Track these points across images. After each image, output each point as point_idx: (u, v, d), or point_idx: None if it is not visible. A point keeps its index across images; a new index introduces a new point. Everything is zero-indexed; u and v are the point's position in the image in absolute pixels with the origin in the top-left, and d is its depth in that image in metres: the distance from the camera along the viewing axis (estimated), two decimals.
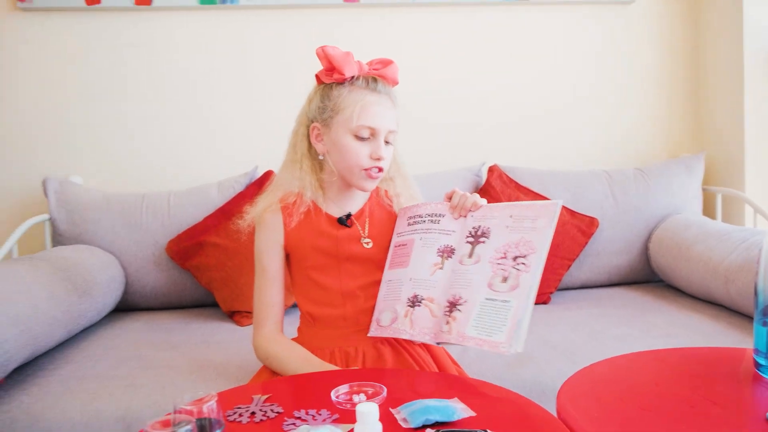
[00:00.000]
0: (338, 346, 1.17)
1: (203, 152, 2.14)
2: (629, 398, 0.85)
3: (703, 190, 2.12)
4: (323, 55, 1.13)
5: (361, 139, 1.13)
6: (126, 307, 1.92)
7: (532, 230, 1.02)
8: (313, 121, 1.18)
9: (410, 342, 1.18)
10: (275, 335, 1.20)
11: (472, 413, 0.81)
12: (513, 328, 0.94)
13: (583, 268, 2.00)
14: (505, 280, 1.00)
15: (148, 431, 0.69)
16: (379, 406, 0.84)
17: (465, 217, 1.11)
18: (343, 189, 1.20)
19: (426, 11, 2.18)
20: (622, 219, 2.00)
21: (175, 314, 1.88)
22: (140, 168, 2.12)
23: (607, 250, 2.00)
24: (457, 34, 2.21)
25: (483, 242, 1.06)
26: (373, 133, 1.13)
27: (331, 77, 1.14)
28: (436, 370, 1.17)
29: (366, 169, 1.13)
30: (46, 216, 1.93)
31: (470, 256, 1.06)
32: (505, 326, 0.95)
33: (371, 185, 1.17)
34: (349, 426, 0.77)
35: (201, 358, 1.47)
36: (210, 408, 0.77)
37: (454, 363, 1.25)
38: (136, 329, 1.73)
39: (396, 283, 1.12)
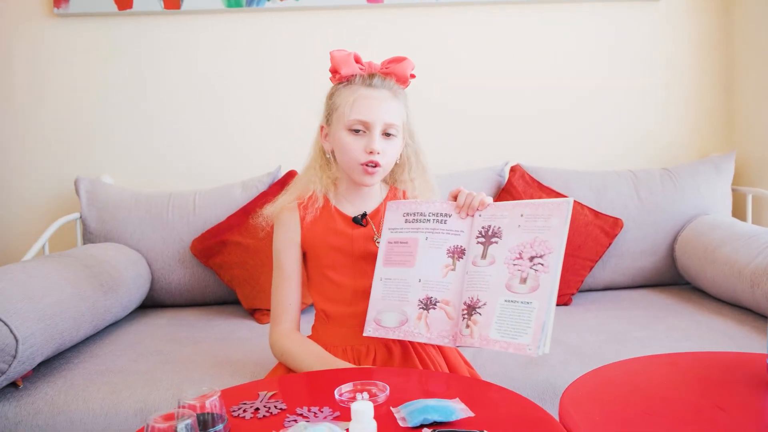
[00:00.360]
0: (350, 344, 1.19)
1: (228, 153, 2.19)
2: (634, 401, 0.84)
3: (733, 190, 2.06)
4: (330, 57, 1.17)
5: (355, 132, 1.15)
6: (152, 303, 1.98)
7: (546, 229, 1.01)
8: (322, 122, 1.22)
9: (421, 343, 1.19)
10: (291, 332, 1.22)
11: (471, 414, 0.81)
12: (538, 330, 0.94)
13: (606, 270, 1.97)
14: (524, 281, 0.99)
15: (150, 425, 0.72)
16: (382, 404, 0.85)
17: (472, 216, 1.10)
18: (353, 188, 1.22)
19: (447, 11, 2.18)
20: (648, 220, 1.96)
21: (198, 311, 1.92)
22: (168, 168, 2.18)
23: (632, 251, 1.96)
24: (480, 33, 2.20)
25: (495, 242, 1.06)
26: (367, 127, 1.15)
27: (334, 78, 1.19)
28: (447, 371, 1.18)
29: (362, 164, 1.15)
30: (77, 214, 2.00)
31: (483, 257, 1.06)
32: (530, 328, 0.95)
33: (369, 180, 1.18)
34: (347, 424, 0.78)
35: (220, 354, 1.50)
36: (212, 403, 0.79)
37: (467, 364, 1.25)
38: (159, 325, 1.78)
39: (399, 283, 1.12)
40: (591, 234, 1.90)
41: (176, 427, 0.71)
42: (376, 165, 1.15)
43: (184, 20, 2.16)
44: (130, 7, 2.12)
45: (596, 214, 1.93)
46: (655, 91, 2.23)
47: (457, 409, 0.81)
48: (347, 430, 0.74)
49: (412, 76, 1.22)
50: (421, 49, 2.16)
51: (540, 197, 1.94)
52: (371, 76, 1.18)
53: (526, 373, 1.34)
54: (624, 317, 1.68)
